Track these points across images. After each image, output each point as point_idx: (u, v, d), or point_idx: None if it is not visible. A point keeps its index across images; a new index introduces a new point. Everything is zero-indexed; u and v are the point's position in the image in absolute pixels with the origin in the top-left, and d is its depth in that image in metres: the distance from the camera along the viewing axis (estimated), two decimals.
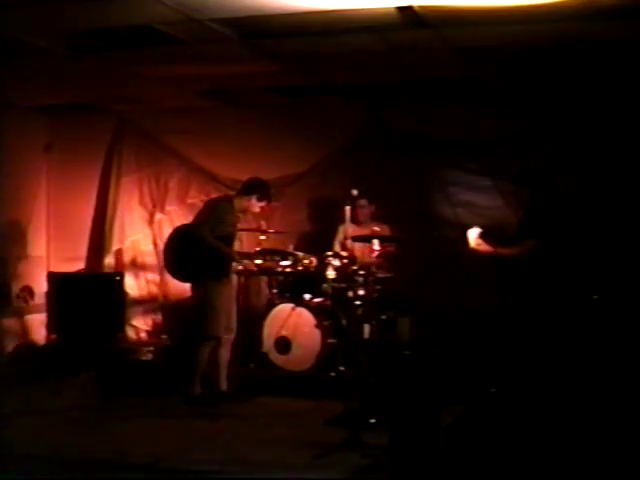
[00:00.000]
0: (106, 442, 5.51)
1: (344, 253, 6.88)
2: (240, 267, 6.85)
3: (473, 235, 6.05)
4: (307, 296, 7.27)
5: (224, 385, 6.66)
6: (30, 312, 8.34)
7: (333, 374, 6.62)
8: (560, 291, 5.86)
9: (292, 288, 7.40)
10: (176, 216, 8.37)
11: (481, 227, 6.12)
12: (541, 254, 5.87)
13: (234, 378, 6.77)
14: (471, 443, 4.56)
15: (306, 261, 7.12)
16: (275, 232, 7.78)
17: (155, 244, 8.59)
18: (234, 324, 6.75)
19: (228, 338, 6.68)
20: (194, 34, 5.58)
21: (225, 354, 6.67)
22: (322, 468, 4.90)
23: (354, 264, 6.78)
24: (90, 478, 4.90)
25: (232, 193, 7.20)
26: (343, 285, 6.82)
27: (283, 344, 7.12)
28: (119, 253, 8.77)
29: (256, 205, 6.73)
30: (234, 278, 6.87)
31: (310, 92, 7.69)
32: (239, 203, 6.70)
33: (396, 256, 7.13)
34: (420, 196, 7.92)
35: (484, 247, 6.02)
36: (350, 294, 6.75)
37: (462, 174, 7.82)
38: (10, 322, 8.07)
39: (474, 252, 6.06)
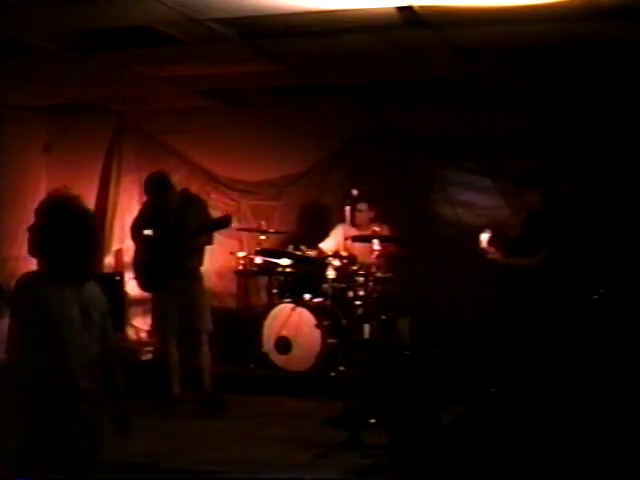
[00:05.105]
0: (106, 442, 5.49)
1: (344, 253, 6.89)
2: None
3: (484, 240, 6.07)
4: (307, 296, 7.27)
5: (207, 386, 6.47)
6: None
7: (333, 374, 6.62)
8: (563, 293, 5.87)
9: (292, 288, 7.41)
10: None
11: (491, 231, 6.13)
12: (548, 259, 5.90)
13: (216, 379, 6.61)
14: (471, 443, 4.56)
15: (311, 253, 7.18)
16: (275, 232, 7.79)
17: None
18: (202, 324, 6.45)
19: (200, 339, 6.43)
20: (194, 34, 5.57)
21: (202, 356, 6.44)
22: (322, 468, 4.91)
23: (354, 264, 6.79)
24: (90, 478, 4.89)
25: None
26: (343, 285, 6.83)
27: (283, 344, 7.12)
28: (119, 253, 8.77)
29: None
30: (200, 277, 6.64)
31: (310, 92, 7.69)
32: (163, 202, 6.50)
33: (396, 256, 7.14)
34: (420, 196, 7.92)
35: (496, 256, 6.03)
36: (350, 294, 6.77)
37: (462, 174, 7.83)
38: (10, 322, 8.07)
39: (484, 257, 6.08)
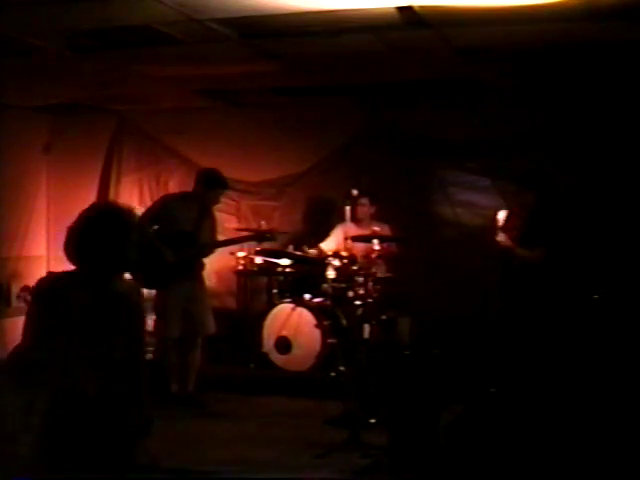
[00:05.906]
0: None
1: (344, 253, 6.89)
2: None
3: (501, 218, 6.16)
4: (307, 296, 7.27)
5: (191, 386, 6.53)
6: None
7: (333, 374, 6.62)
8: (563, 293, 5.87)
9: (292, 288, 7.40)
10: None
11: (507, 210, 6.20)
12: (545, 257, 5.91)
13: (200, 380, 6.64)
14: (471, 443, 4.56)
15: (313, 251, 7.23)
16: (275, 232, 7.78)
17: None
18: (204, 327, 6.52)
19: (196, 341, 6.52)
20: (194, 34, 5.57)
21: (195, 357, 6.52)
22: (322, 468, 4.91)
23: (354, 264, 6.79)
24: (90, 478, 4.89)
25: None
26: (343, 285, 6.83)
27: (283, 344, 7.12)
28: None
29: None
30: (204, 279, 6.70)
31: (310, 92, 7.69)
32: (204, 198, 6.59)
33: (396, 256, 7.14)
34: (420, 196, 7.92)
35: (507, 242, 6.06)
36: (350, 294, 6.76)
37: (462, 174, 7.82)
38: (10, 322, 8.07)
39: (495, 242, 6.12)
